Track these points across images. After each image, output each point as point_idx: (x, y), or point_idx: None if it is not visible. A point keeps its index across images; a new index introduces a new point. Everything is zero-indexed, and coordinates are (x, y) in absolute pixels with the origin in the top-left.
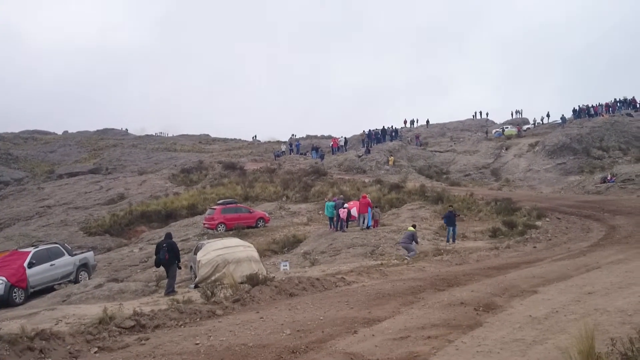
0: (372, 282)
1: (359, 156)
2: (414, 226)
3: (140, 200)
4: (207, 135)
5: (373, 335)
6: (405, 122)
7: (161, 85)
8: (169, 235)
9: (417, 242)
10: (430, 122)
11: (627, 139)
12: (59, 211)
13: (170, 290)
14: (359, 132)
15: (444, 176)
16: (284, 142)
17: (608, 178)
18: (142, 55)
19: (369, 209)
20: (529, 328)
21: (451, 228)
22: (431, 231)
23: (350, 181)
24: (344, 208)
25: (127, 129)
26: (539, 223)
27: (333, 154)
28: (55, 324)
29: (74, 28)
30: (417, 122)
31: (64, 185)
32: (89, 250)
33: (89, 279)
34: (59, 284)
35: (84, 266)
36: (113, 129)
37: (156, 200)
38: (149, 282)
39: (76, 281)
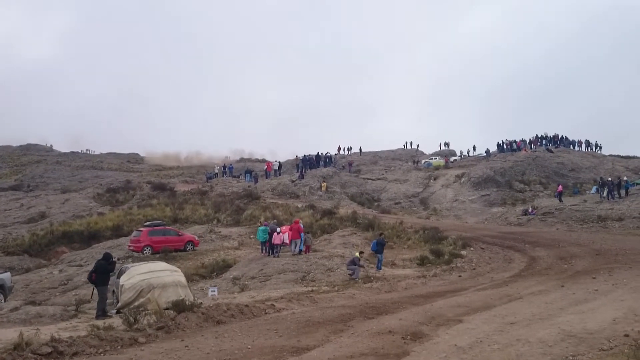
0: (302, 309)
1: (293, 181)
2: (361, 253)
3: (63, 219)
4: (137, 154)
5: None
6: (339, 148)
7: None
8: (105, 256)
9: (359, 266)
10: (363, 150)
11: (547, 173)
12: None
13: (99, 314)
14: (292, 156)
15: (375, 203)
16: (217, 164)
17: (529, 210)
18: (49, 69)
19: (301, 234)
20: (454, 358)
21: (380, 255)
22: (362, 258)
23: (283, 206)
24: (277, 233)
25: (51, 145)
26: (464, 252)
27: (267, 177)
28: None
29: None
30: (350, 149)
31: None
32: (5, 271)
33: (5, 301)
34: None
35: (0, 287)
36: (37, 144)
37: (79, 220)
38: (68, 306)
39: None
